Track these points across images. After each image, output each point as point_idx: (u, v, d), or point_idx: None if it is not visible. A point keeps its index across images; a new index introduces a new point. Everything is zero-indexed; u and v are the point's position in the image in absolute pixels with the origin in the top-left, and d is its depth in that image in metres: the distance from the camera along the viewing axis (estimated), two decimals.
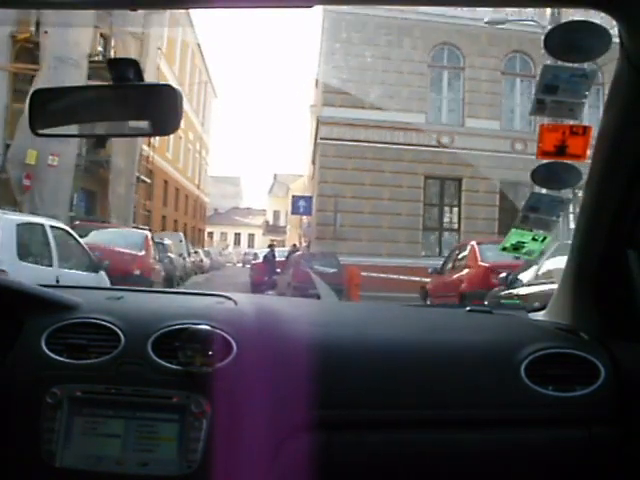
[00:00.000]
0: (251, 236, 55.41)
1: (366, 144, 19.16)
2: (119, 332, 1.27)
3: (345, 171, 19.26)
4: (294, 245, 22.95)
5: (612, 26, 1.09)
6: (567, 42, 1.16)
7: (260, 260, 20.43)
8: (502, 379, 1.30)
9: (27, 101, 1.25)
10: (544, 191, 1.43)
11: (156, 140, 26.47)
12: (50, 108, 1.28)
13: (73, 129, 1.34)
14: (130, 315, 1.34)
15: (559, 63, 1.21)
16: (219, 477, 1.17)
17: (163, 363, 1.22)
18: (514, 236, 1.49)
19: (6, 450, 1.18)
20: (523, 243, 1.49)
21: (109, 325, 1.29)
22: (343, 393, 1.26)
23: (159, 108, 1.21)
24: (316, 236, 20.37)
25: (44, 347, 1.26)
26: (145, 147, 24.35)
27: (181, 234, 23.95)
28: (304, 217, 27.49)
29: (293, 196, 23.89)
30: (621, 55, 1.12)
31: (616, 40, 1.11)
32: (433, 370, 1.31)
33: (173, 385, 1.20)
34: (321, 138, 20.33)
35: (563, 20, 1.17)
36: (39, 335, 1.27)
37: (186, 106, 33.95)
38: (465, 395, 1.29)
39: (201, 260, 27.80)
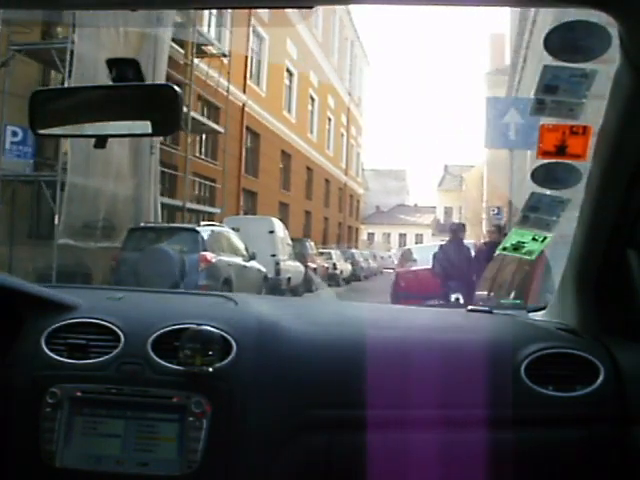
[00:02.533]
0: (419, 237, 46.73)
1: None
2: (119, 332, 1.28)
3: None
4: (498, 227, 10.58)
5: (612, 26, 1.08)
6: (567, 42, 1.16)
7: (412, 265, 10.30)
8: (502, 379, 1.31)
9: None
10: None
11: (262, 88, 19.11)
12: (50, 108, 1.28)
13: (73, 129, 1.34)
14: (130, 315, 1.34)
15: (559, 63, 1.21)
16: (219, 477, 1.18)
17: (163, 363, 1.22)
18: (514, 236, 1.49)
19: (6, 450, 1.19)
20: (523, 243, 1.49)
21: (109, 325, 1.29)
22: (343, 393, 1.27)
23: (159, 108, 1.21)
24: None
25: (44, 347, 1.26)
26: (232, 87, 16.02)
27: (274, 220, 14.50)
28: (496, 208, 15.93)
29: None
30: (621, 55, 1.11)
31: (616, 40, 1.10)
32: (433, 370, 1.31)
33: (173, 385, 1.20)
34: None
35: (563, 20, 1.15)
36: (39, 335, 1.28)
37: (323, 63, 25.23)
38: (465, 395, 1.29)
39: (334, 266, 19.62)
